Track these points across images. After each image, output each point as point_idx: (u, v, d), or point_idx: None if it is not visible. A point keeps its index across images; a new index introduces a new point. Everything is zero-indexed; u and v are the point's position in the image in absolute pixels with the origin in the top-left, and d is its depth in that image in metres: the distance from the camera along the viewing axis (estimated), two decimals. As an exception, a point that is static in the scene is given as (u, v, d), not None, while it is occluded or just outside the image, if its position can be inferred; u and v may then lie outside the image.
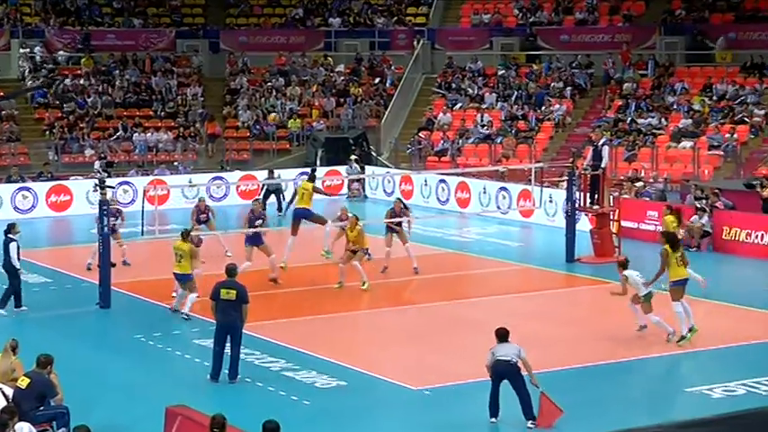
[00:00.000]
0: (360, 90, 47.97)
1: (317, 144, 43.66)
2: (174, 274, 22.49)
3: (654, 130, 39.29)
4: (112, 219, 24.58)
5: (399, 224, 26.70)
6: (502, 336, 15.86)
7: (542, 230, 32.33)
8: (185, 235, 22.59)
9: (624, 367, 19.11)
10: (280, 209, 36.76)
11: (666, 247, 20.21)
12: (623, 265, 20.92)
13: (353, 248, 24.52)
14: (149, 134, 44.15)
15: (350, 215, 26.24)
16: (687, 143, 37.48)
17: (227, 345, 18.05)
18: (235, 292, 17.97)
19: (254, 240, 24.94)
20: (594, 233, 28.70)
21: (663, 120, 39.85)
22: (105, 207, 23.44)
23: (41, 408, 14.61)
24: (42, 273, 27.01)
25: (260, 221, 25.24)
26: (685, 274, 20.31)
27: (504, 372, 15.57)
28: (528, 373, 15.59)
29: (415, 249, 26.77)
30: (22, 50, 47.64)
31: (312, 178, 27.27)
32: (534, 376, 15.60)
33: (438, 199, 37.98)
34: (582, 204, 28.72)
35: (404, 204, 27.68)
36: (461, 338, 21.09)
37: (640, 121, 40.07)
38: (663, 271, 20.26)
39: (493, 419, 15.81)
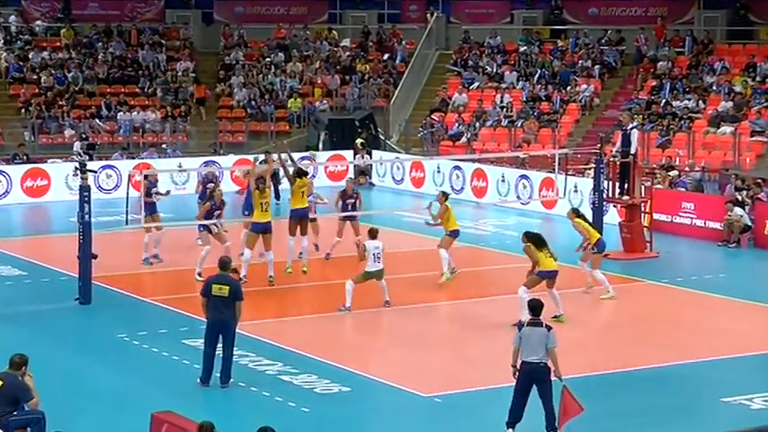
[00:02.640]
0: (367, 67, 47.99)
1: (320, 126, 43.68)
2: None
3: (690, 114, 39.26)
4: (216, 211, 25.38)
5: (355, 216, 27.12)
6: (534, 308, 15.74)
7: (566, 223, 32.28)
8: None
9: (655, 374, 19.11)
10: (277, 196, 36.77)
11: (529, 243, 21.81)
12: (372, 234, 22.56)
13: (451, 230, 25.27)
14: (135, 113, 44.20)
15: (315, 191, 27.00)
16: (727, 128, 37.44)
17: (219, 345, 18.09)
18: (228, 287, 17.99)
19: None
20: (624, 226, 28.71)
21: (700, 102, 39.82)
22: (87, 193, 23.43)
23: (14, 413, 14.63)
24: (16, 264, 27.07)
25: (219, 212, 25.47)
26: (553, 266, 21.78)
27: (533, 375, 15.44)
28: (553, 365, 15.49)
29: (425, 243, 26.79)
30: (-6, 20, 47.76)
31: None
32: (559, 368, 15.51)
33: (452, 187, 37.93)
34: (610, 195, 28.71)
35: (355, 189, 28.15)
36: (476, 341, 21.11)
37: (675, 103, 40.05)
38: (536, 265, 21.75)
39: (510, 431, 15.76)
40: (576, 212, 24.87)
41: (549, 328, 15.52)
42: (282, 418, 16.41)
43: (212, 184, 28.69)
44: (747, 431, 14.56)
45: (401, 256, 27.09)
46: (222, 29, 49.72)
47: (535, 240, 21.96)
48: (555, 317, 21.59)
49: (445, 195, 25.85)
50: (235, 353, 18.25)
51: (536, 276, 21.92)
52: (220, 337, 18.04)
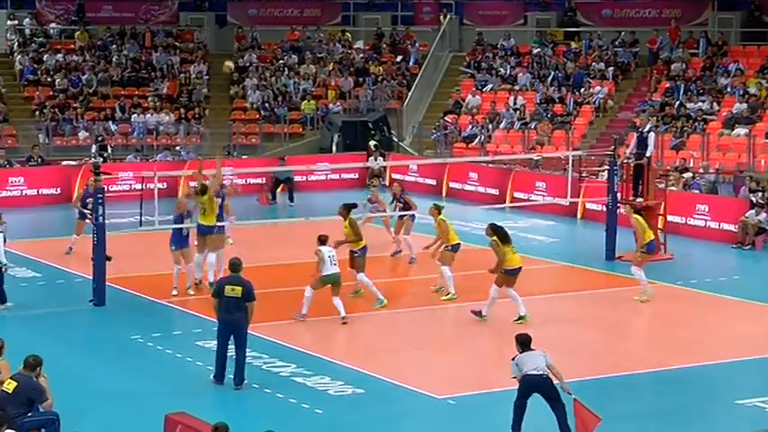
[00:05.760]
0: (380, 69, 47.98)
1: (333, 128, 43.68)
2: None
3: (705, 116, 39.18)
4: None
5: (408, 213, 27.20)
6: (524, 343, 15.75)
7: (580, 225, 32.32)
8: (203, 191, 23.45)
9: (669, 377, 19.08)
10: (291, 198, 36.91)
11: (495, 239, 21.79)
12: (321, 240, 22.05)
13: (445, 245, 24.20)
14: (149, 115, 44.26)
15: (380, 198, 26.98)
16: (741, 130, 37.36)
17: (231, 346, 18.09)
18: (240, 288, 18.02)
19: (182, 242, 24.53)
20: (638, 228, 28.66)
21: (715, 104, 39.73)
22: (101, 195, 23.49)
23: (29, 414, 14.66)
24: (31, 266, 27.12)
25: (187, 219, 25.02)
26: (518, 262, 21.90)
27: (535, 386, 15.48)
28: (558, 380, 15.54)
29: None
30: (10, 22, 47.88)
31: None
32: (565, 382, 15.55)
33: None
34: (624, 197, 28.66)
35: (403, 189, 28.24)
36: (490, 343, 21.11)
37: (690, 105, 39.97)
38: (501, 263, 21.77)
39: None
40: (635, 209, 24.69)
41: (543, 352, 15.62)
42: (296, 420, 16.45)
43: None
44: (762, 434, 14.54)
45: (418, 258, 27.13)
46: (235, 31, 49.78)
47: (501, 235, 21.90)
48: (519, 318, 21.67)
49: (438, 208, 24.25)
50: (249, 354, 18.26)
51: (504, 274, 21.85)
52: (232, 338, 18.06)
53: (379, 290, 22.95)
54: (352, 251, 23.10)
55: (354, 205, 24.21)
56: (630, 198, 28.51)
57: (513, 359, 15.70)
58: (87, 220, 27.09)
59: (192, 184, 27.20)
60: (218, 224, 24.44)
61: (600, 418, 15.25)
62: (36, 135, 42.73)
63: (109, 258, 24.04)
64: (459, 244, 24.10)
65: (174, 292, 24.04)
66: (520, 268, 21.96)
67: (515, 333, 16.18)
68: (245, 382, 18.04)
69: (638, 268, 23.87)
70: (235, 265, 18.59)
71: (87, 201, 27.27)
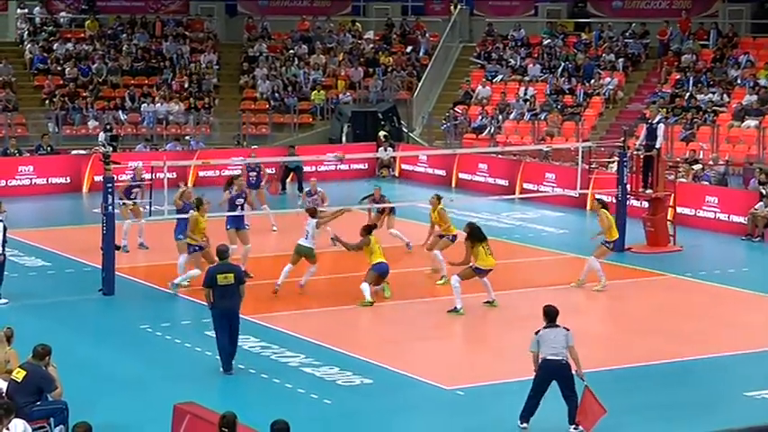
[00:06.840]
0: (390, 59, 47.95)
1: (343, 118, 43.67)
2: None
3: (715, 108, 39.11)
4: None
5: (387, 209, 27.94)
6: (551, 314, 15.63)
7: (589, 216, 32.24)
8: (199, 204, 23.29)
9: (677, 368, 19.06)
10: (300, 188, 36.88)
11: (467, 239, 22.09)
12: (313, 213, 23.10)
13: (439, 233, 24.81)
14: (159, 105, 44.27)
15: (382, 194, 27.30)
16: (751, 122, 37.29)
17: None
18: (232, 275, 18.13)
19: (237, 223, 24.97)
20: (647, 220, 28.63)
21: (725, 96, 39.65)
22: (111, 184, 23.49)
23: (38, 402, 14.69)
24: (40, 255, 27.16)
25: (242, 200, 25.46)
26: (492, 264, 22.13)
27: (554, 373, 15.42)
28: (575, 366, 15.49)
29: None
30: (20, 11, 47.92)
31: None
32: (581, 367, 15.51)
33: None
34: (634, 188, 28.62)
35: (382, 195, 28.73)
36: (498, 334, 21.11)
37: (700, 96, 39.89)
38: (466, 262, 22.11)
39: (524, 425, 15.74)
40: (602, 203, 24.79)
41: (567, 329, 15.53)
42: (305, 410, 16.46)
43: (254, 173, 30.14)
44: (771, 426, 14.50)
45: (422, 249, 27.10)
46: (246, 21, 49.78)
47: (474, 236, 22.06)
48: (488, 302, 22.34)
49: (439, 198, 24.61)
50: (258, 344, 18.34)
51: (472, 270, 22.11)
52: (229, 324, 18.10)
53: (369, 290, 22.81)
54: None
55: (373, 226, 24.34)
56: (640, 189, 28.51)
57: (536, 333, 15.62)
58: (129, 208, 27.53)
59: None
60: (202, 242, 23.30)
61: (606, 411, 15.25)
62: (46, 124, 42.76)
63: (118, 247, 24.04)
64: (456, 236, 24.25)
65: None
66: (490, 270, 22.19)
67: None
68: (254, 371, 18.03)
69: (597, 259, 24.07)
70: (222, 252, 18.63)
71: (133, 190, 27.46)
